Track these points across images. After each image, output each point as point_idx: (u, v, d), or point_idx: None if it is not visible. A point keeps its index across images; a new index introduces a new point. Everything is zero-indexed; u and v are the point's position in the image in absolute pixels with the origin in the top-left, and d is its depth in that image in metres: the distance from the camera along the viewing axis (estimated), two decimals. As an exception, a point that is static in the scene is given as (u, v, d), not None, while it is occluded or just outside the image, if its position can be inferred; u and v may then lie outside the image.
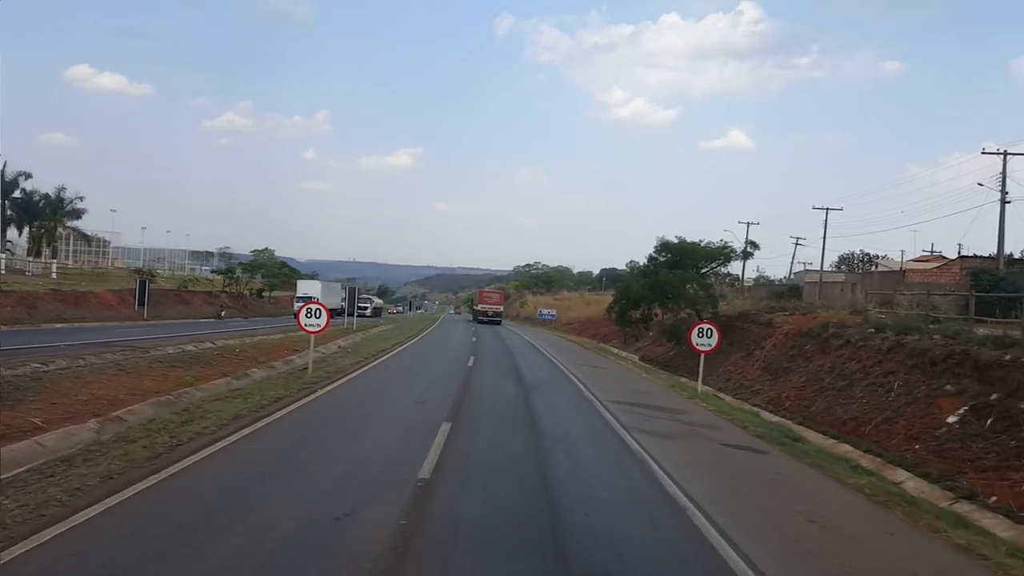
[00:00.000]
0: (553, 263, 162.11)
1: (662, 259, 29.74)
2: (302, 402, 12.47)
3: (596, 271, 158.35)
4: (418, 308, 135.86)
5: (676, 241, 29.13)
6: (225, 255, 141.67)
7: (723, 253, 28.71)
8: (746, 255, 29.02)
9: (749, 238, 29.34)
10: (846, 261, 64.61)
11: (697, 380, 21.82)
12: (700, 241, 28.67)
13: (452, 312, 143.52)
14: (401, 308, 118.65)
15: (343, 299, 41.84)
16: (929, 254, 54.75)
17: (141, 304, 42.88)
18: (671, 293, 28.17)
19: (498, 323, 61.85)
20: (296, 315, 17.37)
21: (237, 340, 23.56)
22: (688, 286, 27.68)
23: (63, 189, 58.40)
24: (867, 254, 69.78)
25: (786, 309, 27.35)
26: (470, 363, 21.31)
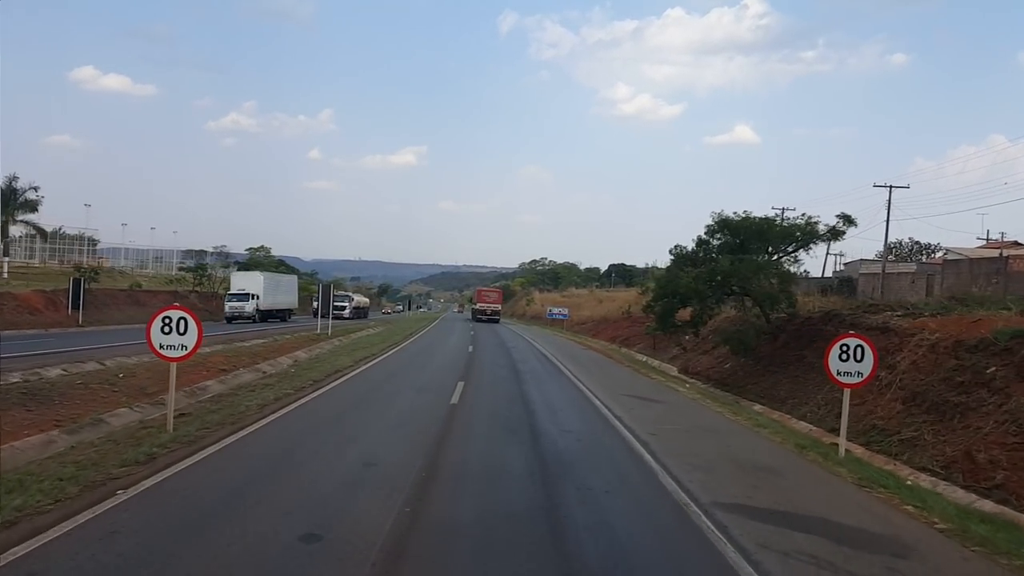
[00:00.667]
0: (559, 259, 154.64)
1: (716, 241, 22.06)
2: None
3: (603, 267, 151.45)
4: (419, 307, 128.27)
5: (738, 217, 21.30)
6: (222, 254, 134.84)
7: (806, 232, 20.76)
8: (834, 235, 21.03)
9: (843, 213, 21.01)
10: (893, 250, 56.84)
11: (783, 412, 14.58)
12: (776, 216, 20.74)
13: (455, 311, 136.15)
14: (401, 307, 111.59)
15: (314, 298, 33.84)
16: (992, 241, 47.10)
17: (76, 307, 35.58)
18: (735, 286, 20.57)
19: (496, 321, 62.12)
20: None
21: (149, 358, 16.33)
22: (763, 276, 19.97)
23: (15, 179, 51.10)
24: (916, 242, 62.01)
25: (894, 308, 19.77)
26: (454, 398, 13.56)
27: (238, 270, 57.66)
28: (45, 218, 56.66)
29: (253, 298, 43.03)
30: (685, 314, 22.74)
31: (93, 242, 78.91)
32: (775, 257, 21.30)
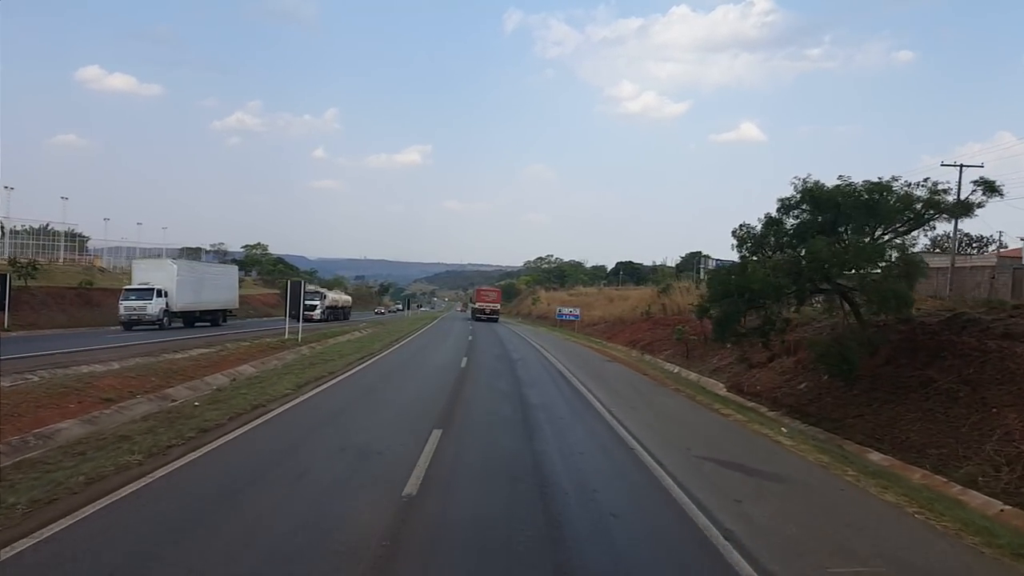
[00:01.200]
0: (566, 257, 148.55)
1: (793, 219, 16.00)
2: None
3: (609, 265, 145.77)
4: (420, 306, 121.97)
5: (832, 186, 15.03)
6: (220, 252, 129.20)
7: (929, 205, 14.43)
8: (963, 210, 14.72)
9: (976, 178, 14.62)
10: (938, 243, 50.65)
11: (925, 469, 10.76)
12: (889, 181, 14.38)
13: (459, 310, 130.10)
14: (400, 306, 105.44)
15: (288, 297, 27.78)
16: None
17: (0, 308, 29.88)
18: (830, 279, 14.54)
19: (495, 320, 62.11)
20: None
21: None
22: (879, 261, 13.91)
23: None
24: (967, 234, 56.00)
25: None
26: (414, 477, 7.53)
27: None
28: (45, 215, 51.10)
29: (160, 295, 31.44)
30: (756, 319, 16.59)
31: (83, 239, 74.06)
32: (882, 239, 15.19)
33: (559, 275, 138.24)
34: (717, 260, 65.27)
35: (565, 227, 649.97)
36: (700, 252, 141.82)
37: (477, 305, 66.21)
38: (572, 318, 52.23)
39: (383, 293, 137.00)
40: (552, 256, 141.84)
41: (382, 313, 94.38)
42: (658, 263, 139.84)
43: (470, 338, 35.73)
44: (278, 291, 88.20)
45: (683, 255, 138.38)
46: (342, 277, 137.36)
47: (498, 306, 66.08)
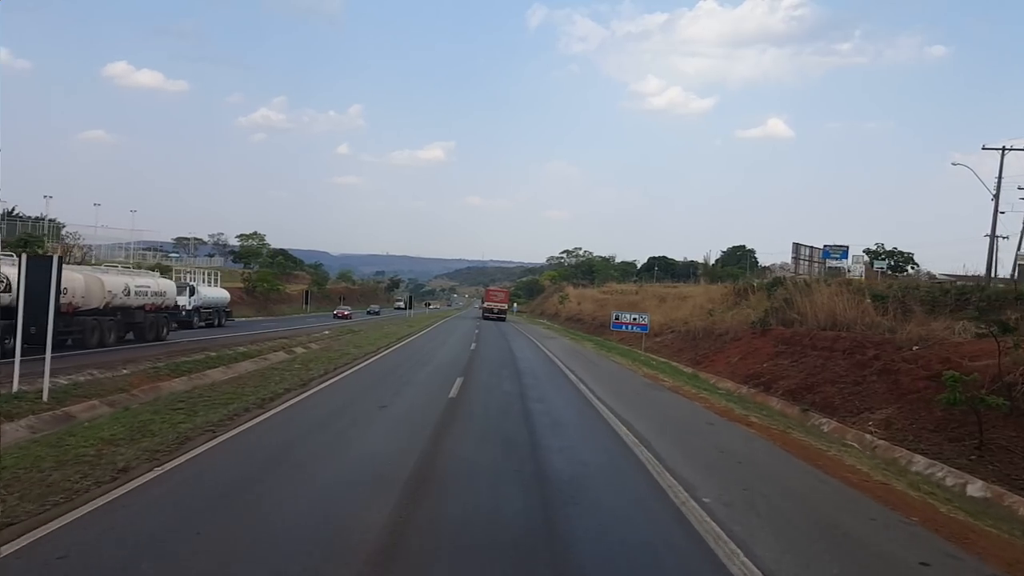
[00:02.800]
0: (593, 251, 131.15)
1: None
2: None
3: (628, 262, 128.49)
4: (428, 304, 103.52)
5: None
6: (219, 244, 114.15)
7: None
8: None
9: None
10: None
11: None
12: None
13: (478, 307, 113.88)
14: (401, 303, 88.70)
15: (24, 290, 11.12)
16: None
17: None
18: None
19: (502, 319, 63.17)
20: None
21: None
22: None
23: None
24: None
25: None
26: None
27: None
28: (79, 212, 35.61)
29: None
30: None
31: (57, 225, 60.30)
32: None
33: (587, 270, 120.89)
34: (798, 253, 47.09)
35: (587, 224, 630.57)
36: (744, 246, 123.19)
37: (486, 304, 68.53)
38: (639, 329, 34.30)
39: (391, 289, 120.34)
40: (580, 249, 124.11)
41: (376, 313, 76.93)
42: (691, 259, 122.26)
43: (464, 377, 18.55)
44: (295, 289, 72.38)
45: (724, 250, 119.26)
46: (348, 271, 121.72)
47: (505, 306, 69.50)
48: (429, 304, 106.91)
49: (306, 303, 67.06)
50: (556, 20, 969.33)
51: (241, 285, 55.28)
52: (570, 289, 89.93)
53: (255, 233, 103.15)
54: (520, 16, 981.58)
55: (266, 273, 68.24)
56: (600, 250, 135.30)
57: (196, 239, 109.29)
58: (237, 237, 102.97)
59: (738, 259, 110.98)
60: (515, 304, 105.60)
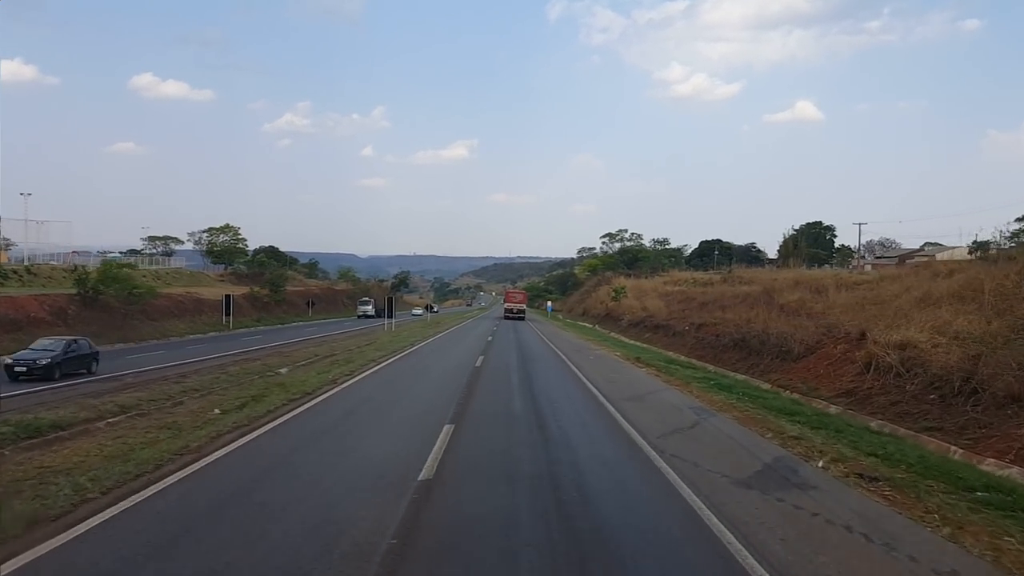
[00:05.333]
0: (642, 233, 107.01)
1: None
2: None
3: (681, 248, 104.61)
4: (430, 307, 75.56)
5: None
6: (201, 242, 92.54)
7: None
8: None
9: None
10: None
11: None
12: None
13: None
14: (369, 309, 59.79)
15: None
16: None
17: None
18: None
19: (521, 318, 63.08)
20: None
21: None
22: None
23: None
24: None
25: None
26: None
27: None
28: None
29: None
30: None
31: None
32: None
33: (631, 258, 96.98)
34: None
35: (614, 216, 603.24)
36: (821, 223, 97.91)
37: (506, 305, 67.90)
38: None
39: (397, 288, 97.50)
40: (625, 232, 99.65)
41: (372, 316, 54.77)
42: (733, 242, 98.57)
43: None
44: (249, 290, 50.16)
45: (796, 227, 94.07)
46: (348, 269, 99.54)
47: (523, 306, 69.10)
48: (432, 308, 76.73)
49: (310, 307, 55.45)
50: (576, 12, 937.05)
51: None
52: (622, 280, 66.03)
53: (227, 226, 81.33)
54: (540, 9, 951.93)
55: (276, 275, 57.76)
56: (645, 233, 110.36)
57: (170, 237, 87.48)
58: (205, 232, 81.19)
59: (814, 237, 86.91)
60: (549, 303, 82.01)
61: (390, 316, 38.51)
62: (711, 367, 21.82)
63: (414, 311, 75.90)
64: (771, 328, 21.16)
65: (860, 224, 66.63)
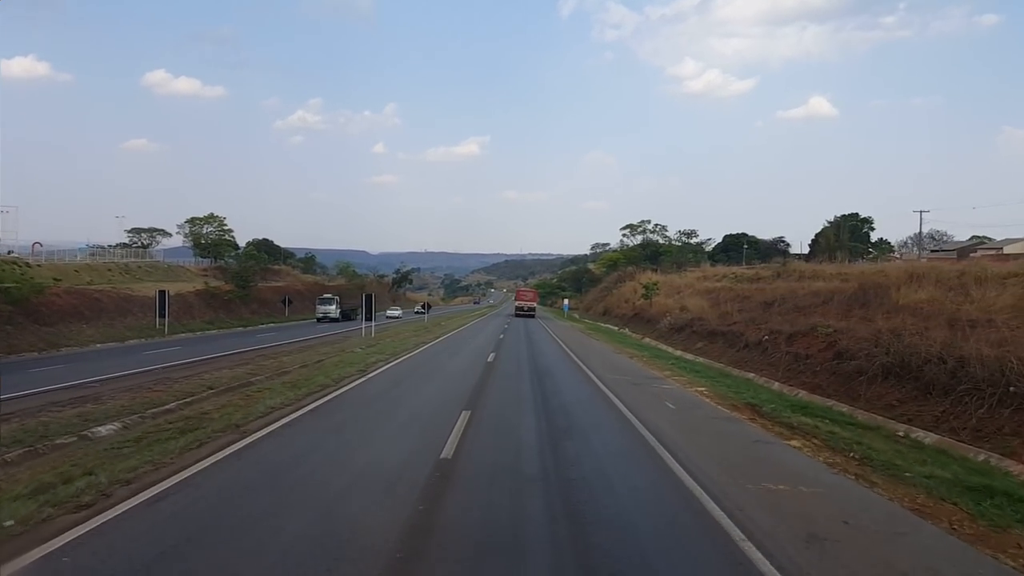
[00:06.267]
0: (667, 224, 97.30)
1: None
2: None
3: (703, 242, 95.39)
4: (421, 309, 60.36)
5: None
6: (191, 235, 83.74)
7: None
8: None
9: None
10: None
11: None
12: None
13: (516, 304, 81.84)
14: (331, 309, 47.94)
15: None
16: None
17: None
18: None
19: (532, 316, 63.77)
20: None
21: None
22: None
23: None
24: None
25: None
26: None
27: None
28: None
29: None
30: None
31: None
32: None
33: (652, 253, 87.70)
34: None
35: (627, 213, 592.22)
36: (858, 214, 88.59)
37: (517, 303, 69.19)
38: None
39: (399, 285, 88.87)
40: (649, 223, 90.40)
41: (335, 318, 44.82)
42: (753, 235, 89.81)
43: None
44: (230, 288, 41.43)
45: (830, 220, 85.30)
46: (348, 264, 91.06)
47: (534, 304, 69.91)
48: (422, 309, 59.54)
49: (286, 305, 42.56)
50: (588, 8, 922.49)
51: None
52: (651, 276, 56.94)
53: (211, 216, 73.06)
54: (552, 5, 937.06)
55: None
56: (670, 225, 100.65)
57: (156, 229, 79.35)
58: (187, 222, 73.01)
59: (851, 230, 77.55)
60: (566, 301, 73.15)
61: (368, 319, 29.74)
62: (858, 413, 12.88)
63: (389, 312, 59.14)
64: (966, 349, 12.19)
65: (921, 212, 56.60)
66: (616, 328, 46.49)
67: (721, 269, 57.06)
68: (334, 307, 47.26)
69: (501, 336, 33.16)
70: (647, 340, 35.11)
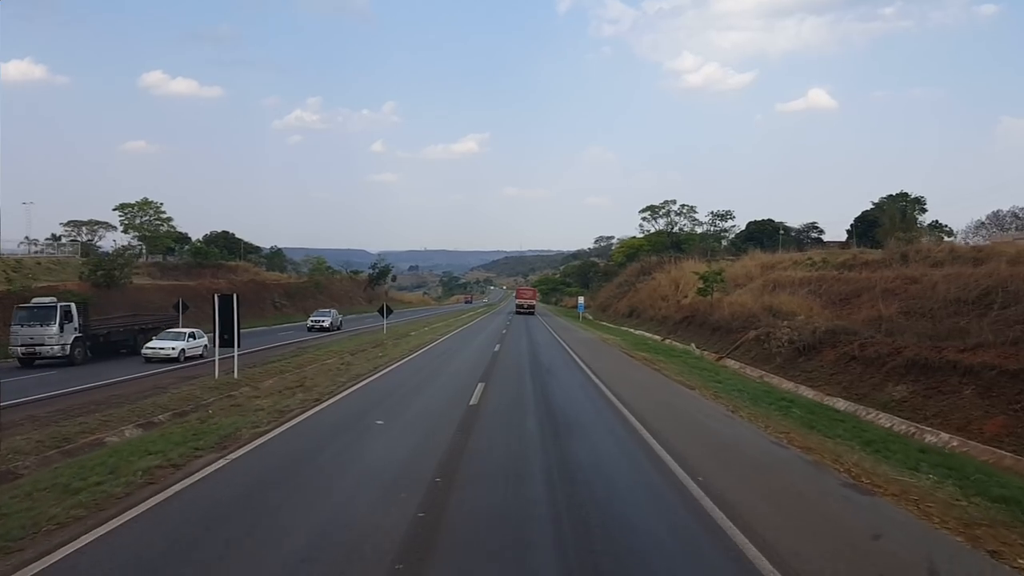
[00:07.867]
0: (696, 206, 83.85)
1: None
2: None
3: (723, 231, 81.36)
4: (319, 324, 38.14)
5: None
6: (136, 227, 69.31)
7: None
8: None
9: None
10: None
11: None
12: None
13: (517, 303, 69.30)
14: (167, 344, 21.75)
15: None
16: None
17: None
18: None
19: (531, 313, 63.48)
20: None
21: None
22: None
23: None
24: None
25: None
26: None
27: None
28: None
29: None
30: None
31: None
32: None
33: (676, 240, 74.36)
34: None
35: (627, 209, 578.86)
36: (907, 194, 73.95)
37: (518, 302, 69.28)
38: None
39: (376, 281, 76.11)
40: (675, 203, 76.68)
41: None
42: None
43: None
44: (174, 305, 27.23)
45: (875, 201, 72.13)
46: (321, 259, 77.77)
47: (534, 302, 71.37)
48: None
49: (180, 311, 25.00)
50: (586, 3, 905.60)
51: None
52: (688, 264, 43.41)
53: (146, 201, 59.47)
54: (549, 1, 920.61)
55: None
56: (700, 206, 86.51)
57: (97, 222, 65.77)
58: (115, 210, 59.50)
59: (902, 211, 64.17)
60: (580, 300, 59.19)
61: (227, 343, 15.32)
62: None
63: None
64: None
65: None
66: (660, 338, 32.97)
67: (778, 256, 43.80)
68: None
69: (493, 357, 19.34)
70: (731, 364, 21.67)
